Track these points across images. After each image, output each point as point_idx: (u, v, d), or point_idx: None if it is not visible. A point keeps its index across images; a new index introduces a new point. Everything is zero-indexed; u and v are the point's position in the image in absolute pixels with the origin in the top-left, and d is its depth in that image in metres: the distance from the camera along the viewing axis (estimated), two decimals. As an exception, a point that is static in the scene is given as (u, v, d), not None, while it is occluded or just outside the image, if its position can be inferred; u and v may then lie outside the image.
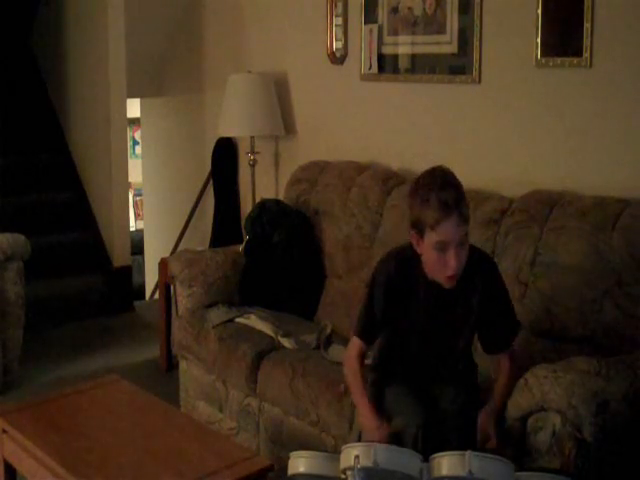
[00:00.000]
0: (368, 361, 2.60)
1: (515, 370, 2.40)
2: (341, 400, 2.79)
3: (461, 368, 2.51)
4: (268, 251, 3.73)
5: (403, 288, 2.40)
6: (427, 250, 2.28)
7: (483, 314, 2.41)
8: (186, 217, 5.62)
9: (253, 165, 4.51)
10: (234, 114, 4.38)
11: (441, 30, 3.55)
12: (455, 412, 2.33)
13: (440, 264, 2.27)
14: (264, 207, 3.81)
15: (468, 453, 1.87)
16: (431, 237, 2.24)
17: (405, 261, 2.40)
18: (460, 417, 2.31)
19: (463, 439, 2.25)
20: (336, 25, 4.11)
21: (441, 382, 2.46)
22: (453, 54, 3.52)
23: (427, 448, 2.13)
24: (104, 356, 4.61)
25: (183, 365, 3.69)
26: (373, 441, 2.15)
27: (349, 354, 2.54)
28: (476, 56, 3.40)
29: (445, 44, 3.54)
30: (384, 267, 2.46)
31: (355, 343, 2.52)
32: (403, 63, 3.78)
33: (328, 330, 3.32)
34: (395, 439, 2.28)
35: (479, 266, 2.40)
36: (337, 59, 4.14)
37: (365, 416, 2.41)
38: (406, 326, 2.46)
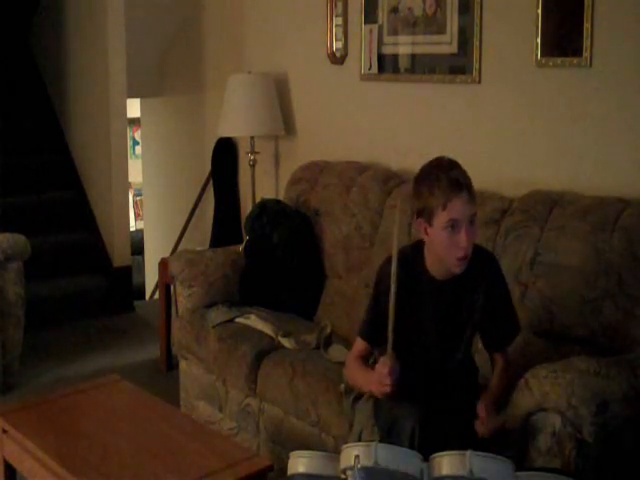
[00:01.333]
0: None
1: (509, 368, 2.43)
2: (341, 400, 2.78)
3: (463, 370, 2.50)
4: (268, 251, 3.73)
5: (406, 287, 2.37)
6: (438, 233, 2.27)
7: (486, 312, 2.41)
8: (186, 217, 5.62)
9: (253, 165, 4.50)
10: (234, 114, 4.37)
11: (441, 30, 3.55)
12: (453, 412, 2.33)
13: (452, 244, 2.25)
14: (264, 207, 3.80)
15: (468, 453, 1.87)
16: (442, 217, 2.24)
17: (407, 260, 2.39)
18: (459, 417, 2.31)
19: (461, 439, 2.25)
20: (336, 25, 4.11)
21: (442, 383, 2.45)
22: (453, 54, 3.52)
23: (425, 447, 2.13)
24: (104, 356, 4.61)
25: (183, 365, 3.69)
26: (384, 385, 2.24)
27: (350, 354, 2.56)
28: (476, 56, 3.39)
29: (445, 44, 3.54)
30: (387, 267, 2.44)
31: (357, 343, 2.54)
32: (403, 63, 3.78)
33: (328, 330, 3.32)
34: (394, 436, 2.28)
35: (482, 263, 2.41)
36: (337, 59, 4.14)
37: (372, 375, 2.35)
38: (410, 326, 2.43)
